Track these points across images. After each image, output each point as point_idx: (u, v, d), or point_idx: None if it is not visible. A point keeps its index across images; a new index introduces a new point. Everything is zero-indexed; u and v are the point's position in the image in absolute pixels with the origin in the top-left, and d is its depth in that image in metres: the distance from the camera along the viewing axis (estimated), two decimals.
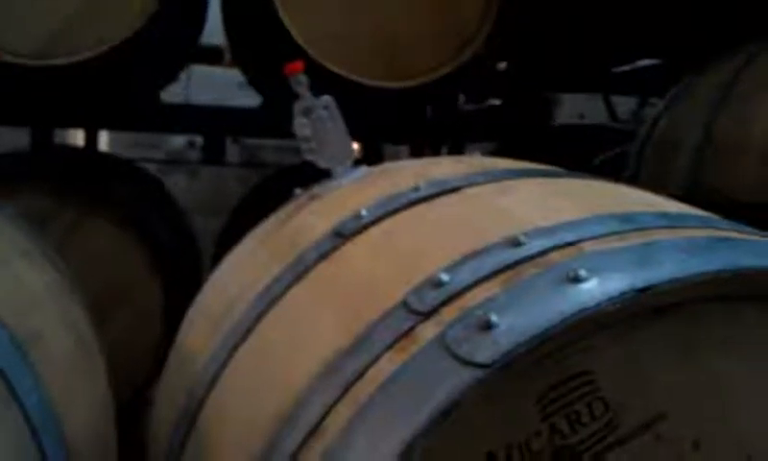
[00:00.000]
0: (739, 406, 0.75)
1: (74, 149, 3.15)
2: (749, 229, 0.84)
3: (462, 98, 3.11)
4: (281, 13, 1.97)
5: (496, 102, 3.16)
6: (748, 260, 0.70)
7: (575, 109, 3.84)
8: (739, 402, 0.75)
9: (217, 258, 1.34)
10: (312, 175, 1.25)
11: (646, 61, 2.99)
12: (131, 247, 2.26)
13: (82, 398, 1.07)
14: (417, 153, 2.69)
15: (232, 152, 3.65)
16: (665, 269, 0.67)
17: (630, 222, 0.77)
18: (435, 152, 2.75)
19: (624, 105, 3.70)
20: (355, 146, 2.55)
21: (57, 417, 0.93)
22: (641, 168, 2.02)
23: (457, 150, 2.84)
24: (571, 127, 3.48)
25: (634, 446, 0.71)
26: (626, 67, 3.08)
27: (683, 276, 0.67)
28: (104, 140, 3.41)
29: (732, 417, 0.75)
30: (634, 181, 2.01)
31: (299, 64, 1.21)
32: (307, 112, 1.20)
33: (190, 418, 0.98)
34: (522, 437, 0.69)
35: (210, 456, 0.91)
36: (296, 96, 1.23)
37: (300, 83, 1.21)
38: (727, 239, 0.75)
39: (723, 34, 2.20)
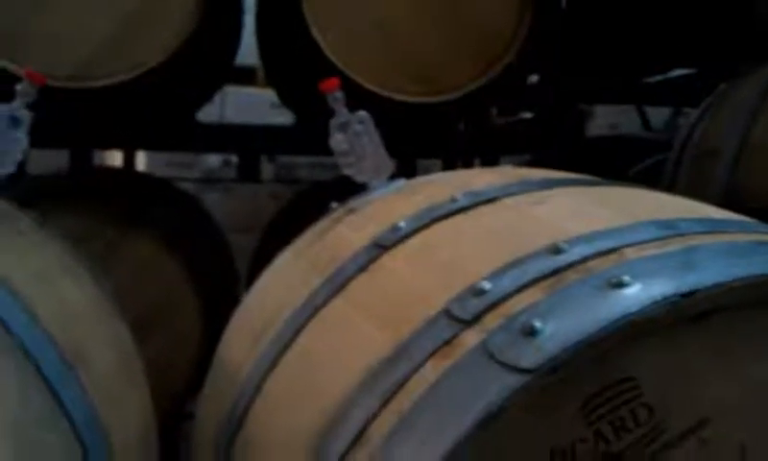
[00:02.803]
0: None
1: (112, 169, 3.20)
2: None
3: (494, 111, 3.12)
4: (314, 32, 1.99)
5: (528, 115, 3.16)
6: None
7: (608, 120, 3.83)
8: None
9: (253, 274, 1.36)
10: (345, 189, 1.27)
11: (679, 71, 2.98)
12: (169, 265, 2.28)
13: (126, 411, 1.08)
14: (449, 167, 2.69)
15: (267, 169, 3.69)
16: (709, 273, 0.67)
17: (670, 228, 0.77)
18: (467, 166, 2.75)
19: (657, 115, 3.68)
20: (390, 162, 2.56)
21: (104, 430, 0.95)
22: (678, 177, 2.00)
23: (490, 163, 2.84)
24: (605, 138, 3.46)
25: (679, 451, 0.71)
26: (659, 77, 3.06)
27: (727, 280, 0.67)
28: (141, 160, 3.46)
29: None
30: (671, 190, 2.00)
31: (334, 81, 1.23)
32: (344, 128, 1.21)
33: (234, 428, 0.99)
34: (567, 443, 0.69)
35: None
36: (331, 113, 1.24)
37: (336, 99, 1.23)
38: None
39: (755, 43, 2.19)
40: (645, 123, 3.62)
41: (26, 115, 1.16)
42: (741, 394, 0.73)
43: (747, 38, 2.30)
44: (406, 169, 2.45)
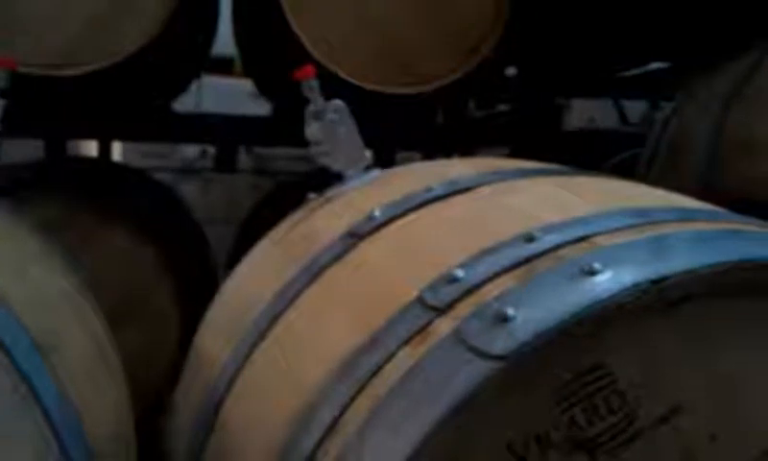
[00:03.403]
0: (755, 400, 0.75)
1: (88, 159, 3.18)
2: (760, 221, 0.84)
3: (472, 104, 3.12)
4: (291, 21, 1.98)
5: (506, 107, 3.17)
6: (761, 251, 0.71)
7: (585, 113, 3.85)
8: (755, 396, 0.75)
9: (231, 265, 1.35)
10: (324, 181, 1.26)
11: (656, 65, 2.99)
12: (144, 256, 2.27)
13: (101, 399, 1.08)
14: (428, 159, 2.69)
15: (244, 160, 3.67)
16: (679, 260, 0.68)
17: (642, 216, 0.78)
18: (446, 158, 2.76)
19: (635, 108, 3.70)
20: (367, 153, 2.56)
21: (78, 418, 0.95)
22: (653, 171, 2.02)
23: (467, 156, 2.85)
24: (581, 132, 3.48)
25: (651, 438, 0.72)
26: (636, 71, 3.08)
27: (696, 267, 0.67)
28: (117, 151, 3.43)
29: (747, 410, 0.75)
30: (644, 183, 2.01)
31: (309, 69, 1.22)
32: (318, 117, 1.21)
33: (209, 419, 0.98)
34: (541, 429, 0.69)
35: (230, 457, 0.91)
36: (306, 103, 1.24)
37: (311, 87, 1.22)
38: (737, 231, 0.75)
39: (732, 35, 2.21)
40: (622, 117, 3.65)
41: None
42: (713, 381, 0.74)
43: (724, 30, 2.31)
44: (385, 161, 2.45)
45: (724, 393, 0.75)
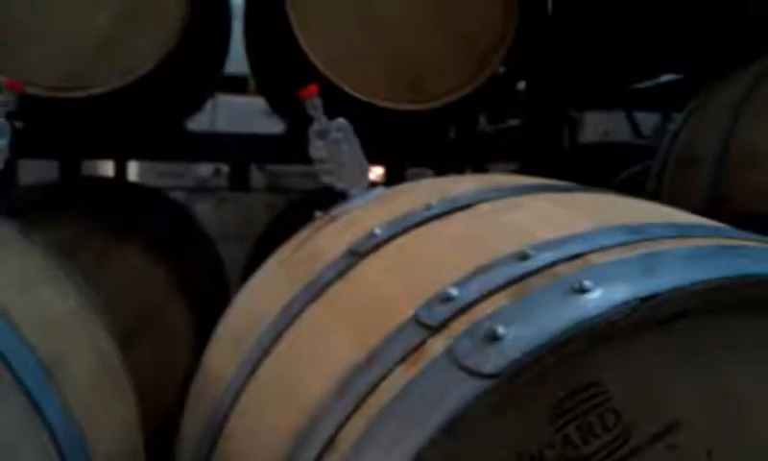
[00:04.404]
0: (751, 415, 0.75)
1: (103, 179, 3.21)
2: (759, 237, 0.84)
3: (483, 119, 3.12)
4: (301, 40, 2.00)
5: (517, 122, 3.17)
6: (754, 267, 0.71)
7: (599, 126, 3.84)
8: (751, 411, 0.75)
9: (244, 282, 1.37)
10: (334, 199, 1.27)
11: (668, 77, 2.98)
12: (159, 274, 2.29)
13: (106, 417, 1.09)
14: (439, 175, 2.70)
15: (257, 178, 3.70)
16: (669, 277, 0.68)
17: (637, 233, 0.78)
18: (458, 173, 2.76)
19: (648, 121, 3.69)
20: (378, 169, 2.58)
21: (82, 436, 0.96)
22: (663, 184, 2.01)
23: (479, 171, 2.85)
24: (594, 145, 3.47)
25: (646, 456, 0.72)
26: (648, 83, 3.07)
27: (686, 284, 0.67)
28: (133, 170, 3.47)
29: (744, 425, 0.75)
30: (656, 196, 2.01)
31: (313, 88, 1.23)
32: (322, 135, 1.22)
33: (214, 433, 0.99)
34: (534, 448, 0.69)
35: None
36: (310, 120, 1.25)
37: (315, 106, 1.24)
38: (733, 247, 0.75)
39: (743, 48, 2.20)
40: (635, 129, 3.63)
41: (6, 125, 1.17)
42: (709, 398, 0.74)
43: (737, 41, 2.30)
44: (395, 177, 2.45)
45: (720, 408, 0.74)
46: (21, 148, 1.23)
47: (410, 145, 2.50)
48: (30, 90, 1.32)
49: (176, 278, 2.31)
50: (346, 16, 2.06)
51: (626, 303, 0.66)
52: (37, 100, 1.84)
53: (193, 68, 2.33)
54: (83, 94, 1.94)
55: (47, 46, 1.92)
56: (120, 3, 1.95)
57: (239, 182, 2.76)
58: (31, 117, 1.28)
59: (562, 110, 3.00)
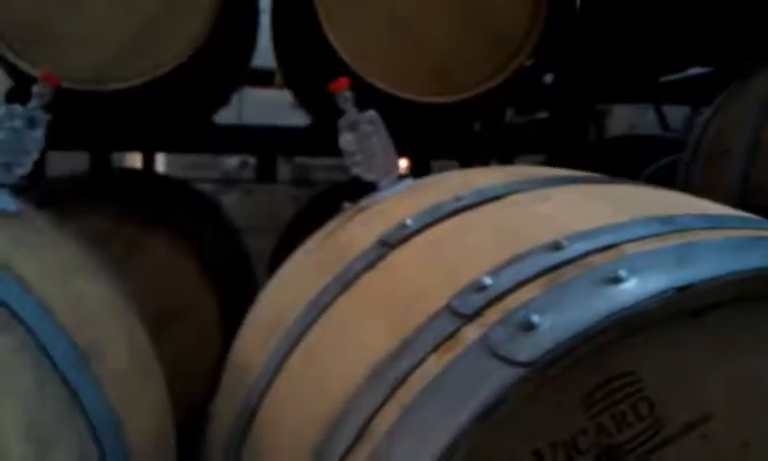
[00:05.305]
0: None
1: (132, 171, 3.24)
2: None
3: (510, 112, 3.11)
4: (327, 33, 2.00)
5: (544, 115, 3.16)
6: None
7: (626, 119, 3.82)
8: None
9: (272, 273, 1.38)
10: (361, 190, 1.28)
11: (696, 70, 2.96)
12: (187, 265, 2.31)
13: (141, 405, 1.10)
14: (465, 167, 2.69)
15: (284, 170, 3.72)
16: (705, 268, 0.68)
17: (670, 223, 0.78)
18: (483, 166, 2.76)
19: (676, 114, 3.66)
20: (404, 162, 2.58)
21: (118, 423, 0.97)
22: (692, 177, 2.00)
23: (506, 164, 2.84)
24: (621, 138, 3.45)
25: (680, 446, 0.72)
26: (676, 76, 3.05)
27: (722, 274, 0.67)
28: (160, 162, 3.50)
29: None
30: (685, 189, 1.99)
31: (343, 81, 1.24)
32: (353, 127, 1.23)
33: (245, 426, 1.01)
34: (568, 436, 0.70)
35: (264, 459, 0.93)
36: (342, 113, 1.26)
37: (346, 99, 1.24)
38: (766, 239, 0.75)
39: None
40: (663, 122, 3.60)
41: (42, 116, 1.19)
42: (742, 389, 0.74)
43: (766, 34, 2.28)
44: (421, 170, 2.46)
45: (755, 399, 0.74)
46: (52, 139, 1.25)
47: (435, 137, 2.50)
48: (64, 84, 1.34)
49: (203, 268, 2.33)
50: (372, 9, 2.06)
51: (661, 292, 0.66)
52: (69, 93, 1.86)
53: (221, 62, 2.34)
54: (113, 87, 1.96)
55: (79, 40, 1.94)
56: (151, 0, 1.97)
57: (266, 175, 2.78)
58: (63, 109, 1.30)
59: (588, 103, 2.98)
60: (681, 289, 0.67)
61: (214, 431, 1.21)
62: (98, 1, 1.95)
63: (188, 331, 2.27)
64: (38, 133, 1.17)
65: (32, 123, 1.18)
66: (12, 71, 2.03)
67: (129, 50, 1.98)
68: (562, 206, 0.92)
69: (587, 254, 0.75)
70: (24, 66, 1.90)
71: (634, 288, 0.67)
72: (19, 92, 1.71)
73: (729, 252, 0.71)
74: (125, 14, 1.96)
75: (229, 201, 3.67)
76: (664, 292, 0.67)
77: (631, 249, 0.74)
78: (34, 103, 1.19)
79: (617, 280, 0.68)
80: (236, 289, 2.41)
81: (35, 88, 1.20)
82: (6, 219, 1.08)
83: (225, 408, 1.17)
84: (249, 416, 1.01)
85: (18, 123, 1.16)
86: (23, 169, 1.15)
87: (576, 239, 0.77)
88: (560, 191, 0.97)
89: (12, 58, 1.92)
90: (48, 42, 1.93)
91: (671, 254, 0.71)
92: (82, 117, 2.15)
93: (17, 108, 1.18)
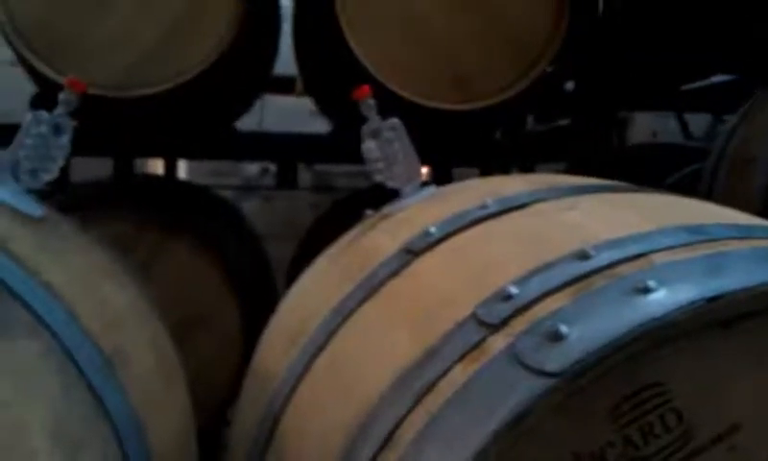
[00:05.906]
0: None
1: (155, 177, 3.27)
2: None
3: (531, 119, 3.11)
4: (349, 40, 2.01)
5: (565, 122, 3.15)
6: None
7: (648, 127, 3.79)
8: None
9: (290, 281, 1.38)
10: (381, 197, 1.28)
11: (719, 78, 2.94)
12: (209, 271, 2.32)
13: (164, 410, 1.11)
14: (486, 175, 2.69)
15: (304, 177, 3.73)
16: (735, 278, 0.67)
17: (698, 233, 0.77)
18: (504, 174, 2.75)
19: (698, 122, 3.63)
20: (425, 169, 2.58)
21: (142, 429, 0.98)
22: (716, 185, 1.98)
23: (527, 171, 2.84)
24: (643, 146, 3.43)
25: (707, 458, 0.71)
26: (699, 84, 3.03)
27: (753, 285, 0.67)
28: (182, 169, 3.52)
29: None
30: (708, 198, 1.98)
31: (366, 88, 1.24)
32: (375, 135, 1.23)
33: (268, 432, 1.01)
34: (595, 447, 0.69)
35: None
36: (364, 121, 1.26)
37: (369, 106, 1.24)
38: None
39: None
40: (685, 131, 3.58)
41: (68, 122, 1.20)
42: None
43: None
44: (442, 177, 2.45)
45: None
46: (76, 145, 1.26)
47: (456, 145, 2.50)
48: (89, 90, 1.36)
49: (224, 274, 2.34)
50: (394, 16, 2.06)
51: (691, 303, 0.66)
52: (93, 99, 1.88)
53: (244, 69, 2.36)
54: (137, 94, 1.98)
55: (104, 48, 1.96)
56: (175, 8, 1.98)
57: (286, 181, 2.79)
58: (86, 115, 1.31)
59: (610, 111, 2.97)
60: (711, 300, 0.66)
61: (235, 437, 1.21)
62: (123, 9, 1.96)
63: (211, 339, 2.28)
64: (64, 140, 1.18)
65: (57, 129, 1.19)
66: (37, 77, 2.05)
67: (153, 57, 1.99)
68: (588, 214, 0.92)
69: (615, 263, 0.74)
70: (50, 73, 1.92)
71: (663, 298, 0.67)
72: (44, 98, 1.73)
73: (758, 262, 0.70)
74: (149, 22, 1.98)
75: (250, 207, 3.69)
76: (694, 302, 0.66)
77: (659, 258, 0.74)
78: (60, 110, 1.20)
79: (646, 290, 0.68)
80: (258, 296, 2.42)
81: (61, 95, 1.21)
82: (32, 225, 1.08)
83: (247, 414, 1.17)
84: (272, 422, 1.01)
85: (44, 129, 1.17)
86: (49, 175, 1.16)
87: (603, 248, 0.77)
88: (585, 200, 0.97)
89: (37, 64, 1.94)
90: (73, 50, 1.95)
91: (700, 264, 0.71)
92: (105, 123, 2.16)
93: (44, 114, 1.19)
